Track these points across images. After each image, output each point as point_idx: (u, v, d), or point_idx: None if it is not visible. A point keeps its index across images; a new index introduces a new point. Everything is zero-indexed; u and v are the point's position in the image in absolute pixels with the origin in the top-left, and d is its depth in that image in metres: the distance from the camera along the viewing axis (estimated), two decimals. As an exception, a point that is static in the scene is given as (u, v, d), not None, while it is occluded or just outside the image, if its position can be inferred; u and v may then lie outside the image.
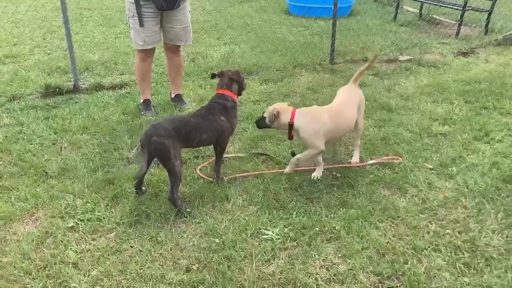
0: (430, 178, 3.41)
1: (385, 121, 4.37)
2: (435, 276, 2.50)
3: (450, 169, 3.53)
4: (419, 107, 4.70)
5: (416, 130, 4.17)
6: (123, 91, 5.12)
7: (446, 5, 8.19)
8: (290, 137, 3.40)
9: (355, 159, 3.65)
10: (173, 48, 4.58)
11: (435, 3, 8.37)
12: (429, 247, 2.71)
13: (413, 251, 2.68)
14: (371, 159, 3.68)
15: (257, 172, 3.47)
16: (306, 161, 3.48)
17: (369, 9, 9.69)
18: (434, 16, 8.65)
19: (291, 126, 3.32)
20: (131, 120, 4.39)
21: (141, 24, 4.22)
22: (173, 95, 4.86)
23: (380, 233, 2.83)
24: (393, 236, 2.81)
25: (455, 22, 8.10)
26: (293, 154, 3.56)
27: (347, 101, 3.52)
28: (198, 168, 3.54)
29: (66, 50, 6.05)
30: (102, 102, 4.79)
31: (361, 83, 5.34)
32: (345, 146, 3.92)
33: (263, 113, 3.49)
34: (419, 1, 8.69)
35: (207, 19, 8.68)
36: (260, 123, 3.48)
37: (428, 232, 2.84)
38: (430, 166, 3.57)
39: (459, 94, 4.99)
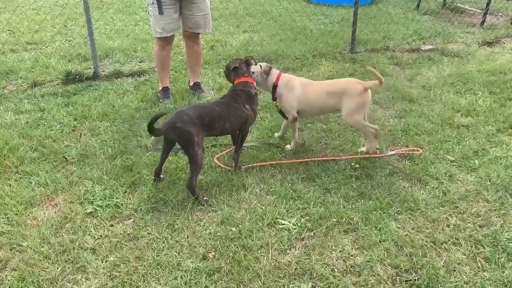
0: (451, 170, 3.34)
1: (406, 111, 4.30)
2: (455, 270, 2.45)
3: (472, 161, 3.45)
4: (441, 98, 4.60)
5: (437, 121, 4.09)
6: (142, 79, 5.14)
7: (472, -7, 7.97)
8: (274, 98, 3.61)
9: (363, 148, 3.62)
10: (192, 36, 4.57)
11: (460, -9, 8.15)
12: (448, 240, 2.66)
13: (432, 244, 2.63)
14: (391, 150, 3.62)
15: (275, 162, 3.45)
16: (294, 130, 3.61)
17: (392, -3, 9.50)
18: (459, 4, 8.43)
19: (275, 87, 3.52)
20: (149, 108, 4.40)
21: (161, 11, 4.21)
22: (191, 83, 4.85)
23: (398, 225, 2.79)
24: (412, 229, 2.77)
25: (480, 11, 7.89)
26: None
27: (334, 89, 3.47)
28: (216, 157, 3.53)
29: (86, 37, 6.10)
30: (121, 89, 4.81)
31: (382, 72, 5.26)
32: (363, 137, 3.86)
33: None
34: (444, -11, 8.48)
35: (227, 6, 8.62)
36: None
37: (448, 225, 2.79)
38: (452, 158, 3.50)
39: (483, 85, 4.87)
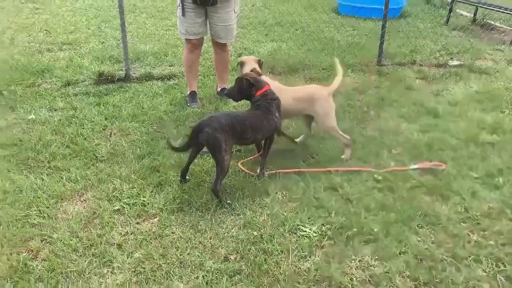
0: (474, 187, 3.34)
1: (430, 126, 4.30)
2: (474, 286, 2.46)
3: (496, 179, 3.44)
4: (467, 114, 4.58)
5: (462, 137, 4.08)
6: (172, 82, 5.26)
7: (503, 10, 7.89)
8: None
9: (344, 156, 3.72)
10: (219, 44, 4.66)
11: (491, 8, 8.08)
12: (469, 256, 2.66)
13: (453, 260, 2.64)
14: (414, 163, 3.64)
15: (298, 170, 3.50)
16: None
17: (421, 11, 9.48)
18: (489, 21, 8.36)
19: None
20: (178, 111, 4.51)
21: (183, 13, 4.36)
22: (219, 89, 4.95)
23: (419, 239, 2.81)
24: (432, 243, 2.78)
25: (511, 29, 7.80)
26: None
27: (300, 95, 3.67)
28: (240, 162, 3.60)
29: (119, 40, 6.28)
30: (151, 91, 4.94)
31: (408, 86, 5.30)
32: (388, 149, 3.88)
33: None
34: (474, 4, 8.42)
35: (256, 15, 8.74)
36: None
37: (469, 242, 2.79)
38: (476, 175, 3.49)
39: (511, 103, 4.84)
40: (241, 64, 3.95)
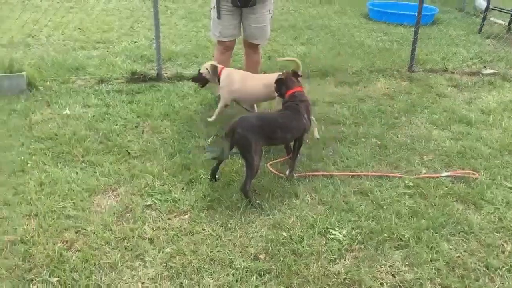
0: (508, 197, 3.28)
1: (463, 134, 4.23)
2: (508, 297, 2.42)
3: (531, 190, 3.37)
4: (500, 124, 4.49)
5: (496, 146, 4.01)
6: (202, 83, 5.31)
7: (539, 19, 7.71)
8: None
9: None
10: (251, 45, 4.68)
11: (527, 16, 7.90)
12: (503, 267, 2.62)
13: (486, 269, 2.60)
14: (445, 171, 3.59)
15: (327, 173, 3.50)
16: (220, 111, 4.28)
17: (453, 18, 9.32)
18: (525, 30, 8.17)
19: (219, 78, 4.21)
20: (207, 111, 4.55)
21: (218, 16, 4.38)
22: None
23: (451, 247, 2.77)
24: (465, 251, 2.74)
25: (547, 38, 7.62)
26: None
27: (269, 81, 3.88)
28: (269, 163, 3.62)
29: (151, 40, 6.40)
30: (182, 91, 5.00)
31: (439, 93, 5.23)
32: (419, 155, 3.84)
33: (199, 70, 4.37)
34: (509, 13, 8.25)
35: (286, 18, 8.74)
36: (196, 78, 4.43)
37: (503, 252, 2.74)
38: (510, 185, 3.42)
39: (546, 113, 4.73)
40: (214, 68, 4.28)
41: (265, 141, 3.20)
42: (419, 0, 5.84)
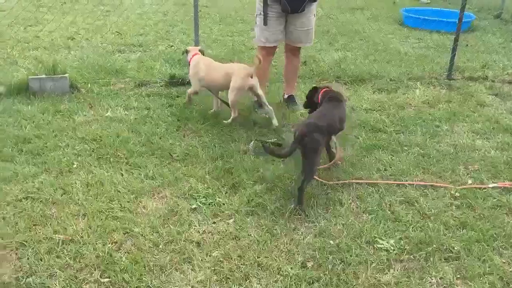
0: (561, 210, 3.18)
1: (508, 144, 4.13)
2: None
3: None
4: (548, 134, 4.37)
5: (544, 158, 3.90)
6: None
7: None
8: None
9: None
10: (293, 50, 4.70)
11: None
12: (560, 283, 2.54)
13: (542, 285, 2.52)
14: (492, 182, 3.51)
15: (371, 181, 3.46)
16: (188, 99, 4.61)
17: (490, 25, 9.15)
18: None
19: (189, 65, 4.48)
20: (246, 116, 4.57)
21: (265, 23, 4.39)
22: (286, 96, 4.96)
23: (504, 261, 2.70)
24: (519, 266, 2.67)
25: None
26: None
27: (230, 70, 4.24)
28: None
29: (187, 44, 6.45)
30: (220, 95, 5.01)
31: (480, 102, 5.11)
32: (464, 165, 3.76)
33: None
34: (550, 21, 8.05)
35: (318, 24, 8.67)
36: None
37: (560, 268, 2.66)
38: (562, 198, 3.32)
39: None
40: (186, 52, 4.63)
41: (329, 136, 3.39)
42: (461, 7, 5.74)
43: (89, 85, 5.11)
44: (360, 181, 3.46)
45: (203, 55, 4.60)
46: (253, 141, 3.90)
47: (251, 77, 4.15)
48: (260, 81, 4.78)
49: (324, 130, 3.23)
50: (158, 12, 8.89)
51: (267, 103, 4.34)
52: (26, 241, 2.72)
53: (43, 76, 4.84)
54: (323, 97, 3.65)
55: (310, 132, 3.15)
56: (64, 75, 4.89)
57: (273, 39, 4.50)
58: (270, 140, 3.99)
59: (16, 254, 2.65)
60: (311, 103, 3.82)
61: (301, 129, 3.19)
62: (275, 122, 4.32)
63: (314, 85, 4.04)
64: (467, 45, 7.35)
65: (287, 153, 3.25)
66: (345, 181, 3.45)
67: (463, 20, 5.90)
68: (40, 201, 3.10)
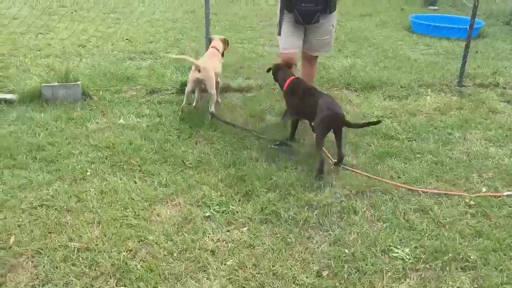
0: None
1: (522, 152, 4.11)
2: None
3: None
4: (562, 141, 4.34)
5: (559, 165, 3.87)
6: (250, 95, 5.33)
7: None
8: None
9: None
10: (310, 59, 4.63)
11: None
12: None
13: (561, 295, 2.50)
14: (507, 190, 3.48)
15: (385, 181, 3.47)
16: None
17: (499, 31, 9.11)
18: None
19: None
20: (257, 123, 4.58)
21: (279, 32, 4.38)
22: None
23: (521, 270, 2.67)
24: (537, 276, 2.64)
25: None
26: None
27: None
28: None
29: (196, 52, 6.48)
30: (231, 103, 5.04)
31: (492, 109, 5.08)
32: (478, 173, 3.74)
33: None
34: (560, 27, 8.00)
35: (327, 31, 8.73)
36: None
37: None
38: None
39: None
40: (210, 40, 4.96)
41: None
42: (472, 13, 5.72)
43: (101, 92, 5.14)
44: (377, 177, 3.56)
45: (227, 46, 5.03)
46: (277, 142, 4.06)
47: (199, 71, 4.36)
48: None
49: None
50: (167, 20, 8.95)
51: (215, 98, 4.55)
52: (42, 249, 2.73)
53: (56, 83, 4.88)
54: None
55: (340, 111, 3.66)
56: (77, 83, 4.92)
57: (290, 45, 4.40)
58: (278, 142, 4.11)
59: (32, 262, 2.66)
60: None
61: (331, 112, 3.62)
62: (212, 108, 4.48)
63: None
64: (477, 51, 7.33)
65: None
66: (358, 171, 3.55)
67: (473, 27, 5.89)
68: (55, 208, 3.11)
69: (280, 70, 4.35)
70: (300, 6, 4.12)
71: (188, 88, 4.52)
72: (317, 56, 4.67)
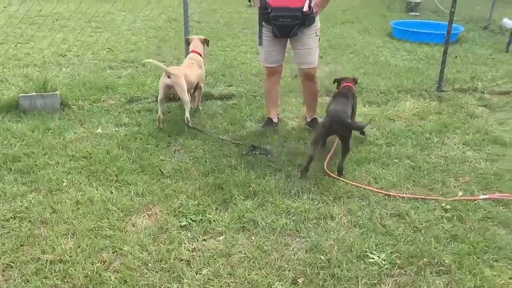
0: (551, 221, 3.18)
1: (498, 155, 4.15)
2: (559, 328, 2.33)
3: None
4: (537, 144, 4.40)
5: (534, 168, 3.92)
6: (231, 102, 5.33)
7: None
8: None
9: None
10: (306, 74, 4.56)
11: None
12: (551, 295, 2.53)
13: (534, 298, 2.52)
14: (483, 193, 3.51)
15: (362, 186, 3.46)
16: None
17: (478, 37, 9.25)
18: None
19: None
20: (237, 130, 4.58)
21: (260, 43, 4.39)
22: (309, 119, 4.82)
23: (494, 273, 2.69)
24: (510, 278, 2.65)
25: None
26: None
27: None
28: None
29: (178, 60, 6.47)
30: (211, 110, 5.04)
31: (470, 113, 5.15)
32: (455, 177, 3.77)
33: None
34: (537, 31, 8.15)
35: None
36: None
37: (550, 280, 2.65)
38: (552, 209, 3.33)
39: None
40: (187, 41, 5.04)
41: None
42: (449, 19, 5.80)
43: (80, 102, 5.10)
44: (355, 183, 3.56)
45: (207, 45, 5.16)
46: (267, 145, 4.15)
47: (168, 77, 4.37)
48: (269, 101, 4.74)
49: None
50: (149, 28, 8.93)
51: (188, 104, 4.53)
52: (13, 262, 2.69)
53: (34, 93, 4.83)
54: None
55: (345, 120, 3.82)
56: (55, 93, 4.88)
57: (270, 59, 4.46)
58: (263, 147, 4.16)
59: (3, 275, 2.61)
60: None
61: (332, 118, 3.85)
62: (187, 114, 4.47)
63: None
64: (456, 57, 7.43)
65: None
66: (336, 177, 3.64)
67: (451, 32, 5.97)
68: (29, 220, 3.07)
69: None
70: (277, 21, 4.12)
71: (160, 95, 4.49)
72: (312, 71, 4.56)
